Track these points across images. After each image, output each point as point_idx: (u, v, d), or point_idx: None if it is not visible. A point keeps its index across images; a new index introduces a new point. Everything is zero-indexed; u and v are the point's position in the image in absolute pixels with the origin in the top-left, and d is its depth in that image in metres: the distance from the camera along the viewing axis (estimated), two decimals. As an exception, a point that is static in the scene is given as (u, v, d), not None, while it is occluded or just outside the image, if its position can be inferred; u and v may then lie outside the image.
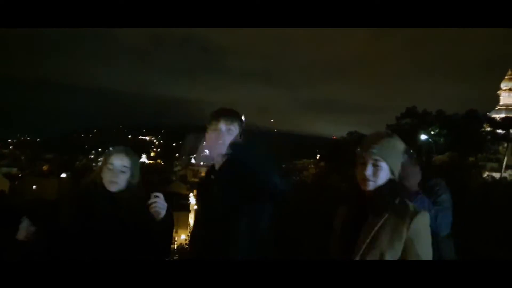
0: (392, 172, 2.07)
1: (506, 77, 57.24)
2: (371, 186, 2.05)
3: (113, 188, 2.51)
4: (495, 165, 42.71)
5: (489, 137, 44.12)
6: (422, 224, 1.95)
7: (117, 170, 2.51)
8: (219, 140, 2.25)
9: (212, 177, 2.35)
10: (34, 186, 49.64)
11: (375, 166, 2.05)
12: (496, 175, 37.86)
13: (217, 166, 2.34)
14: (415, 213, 1.97)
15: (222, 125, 2.30)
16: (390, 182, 2.07)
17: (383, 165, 2.05)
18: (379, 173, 2.05)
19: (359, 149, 2.13)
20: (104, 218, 2.43)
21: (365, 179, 2.05)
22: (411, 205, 2.03)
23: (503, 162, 41.77)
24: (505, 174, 38.59)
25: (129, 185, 2.57)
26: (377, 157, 2.05)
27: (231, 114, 2.36)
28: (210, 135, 2.33)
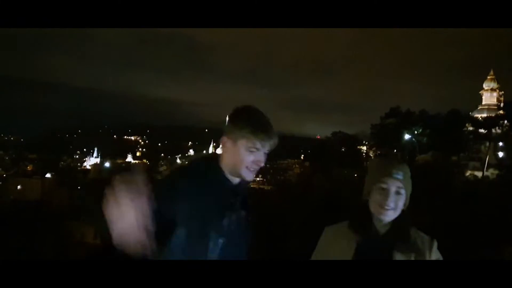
0: (405, 203, 1.87)
1: (488, 77, 57.76)
2: (390, 216, 1.84)
3: None
4: (477, 164, 43.16)
5: (471, 136, 44.67)
6: (437, 250, 1.87)
7: None
8: (261, 164, 1.80)
9: (232, 200, 1.84)
10: (19, 187, 49.05)
11: (398, 194, 1.83)
12: (479, 174, 38.44)
13: (240, 188, 1.87)
14: (431, 241, 1.87)
15: (267, 147, 1.80)
16: (404, 213, 1.88)
17: (404, 194, 1.85)
18: (399, 203, 1.84)
19: (376, 172, 1.89)
20: None
21: (385, 208, 1.82)
22: (422, 233, 1.90)
23: (485, 161, 42.22)
24: (487, 173, 39.04)
25: None
26: (401, 185, 1.83)
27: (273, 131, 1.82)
28: (248, 154, 1.78)
